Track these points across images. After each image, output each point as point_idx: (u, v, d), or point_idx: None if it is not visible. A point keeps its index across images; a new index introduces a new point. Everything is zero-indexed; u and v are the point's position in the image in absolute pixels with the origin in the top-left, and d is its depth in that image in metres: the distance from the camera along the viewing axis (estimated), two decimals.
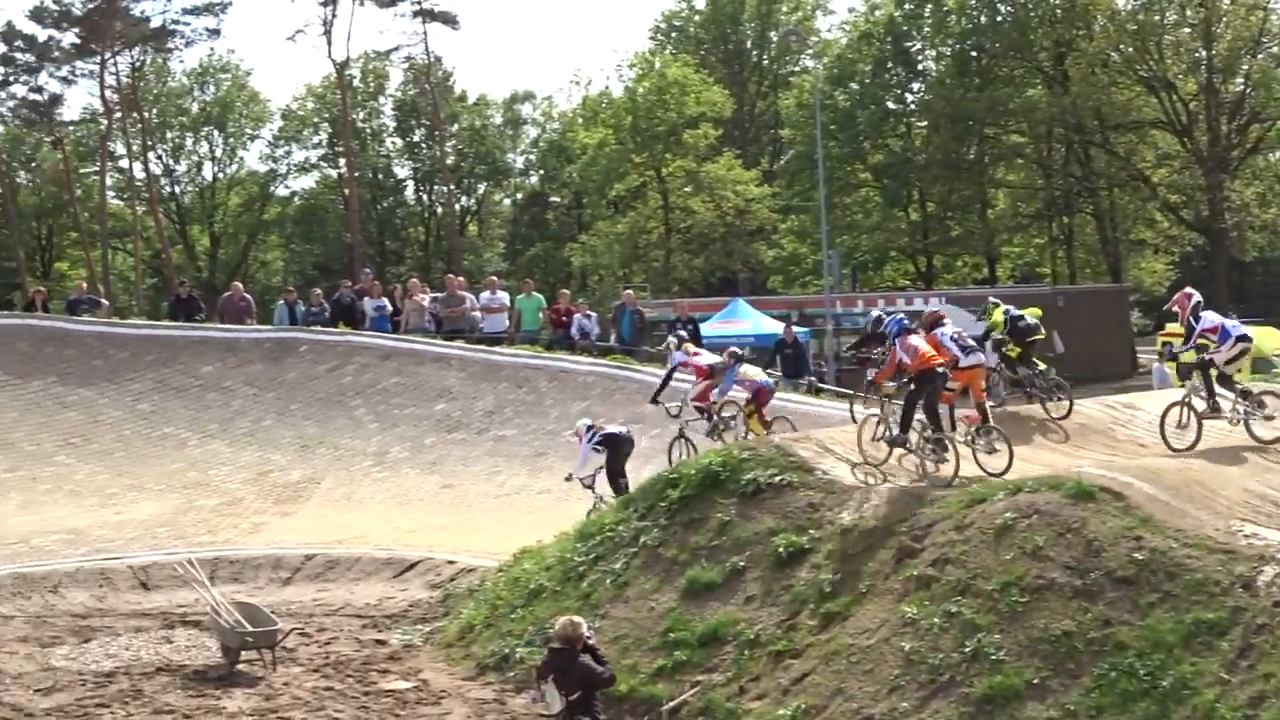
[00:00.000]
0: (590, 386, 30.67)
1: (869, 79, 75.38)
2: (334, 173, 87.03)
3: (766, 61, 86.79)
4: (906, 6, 74.98)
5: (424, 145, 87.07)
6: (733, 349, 24.69)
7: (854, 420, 20.61)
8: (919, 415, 18.15)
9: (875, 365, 20.49)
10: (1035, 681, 13.74)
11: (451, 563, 23.91)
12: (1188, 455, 17.98)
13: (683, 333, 25.32)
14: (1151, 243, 72.24)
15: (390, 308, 35.50)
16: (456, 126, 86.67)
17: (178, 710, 16.97)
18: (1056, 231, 74.77)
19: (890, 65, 75.70)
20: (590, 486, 23.63)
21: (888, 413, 18.78)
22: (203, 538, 25.92)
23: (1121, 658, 13.63)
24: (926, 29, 75.54)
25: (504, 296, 36.14)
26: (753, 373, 23.97)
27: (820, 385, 34.05)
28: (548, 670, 12.79)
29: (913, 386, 18.19)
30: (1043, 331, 21.76)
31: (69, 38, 76.34)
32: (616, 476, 23.37)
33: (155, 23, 77.23)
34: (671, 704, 15.54)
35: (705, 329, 41.43)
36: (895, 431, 18.35)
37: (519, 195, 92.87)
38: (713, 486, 18.40)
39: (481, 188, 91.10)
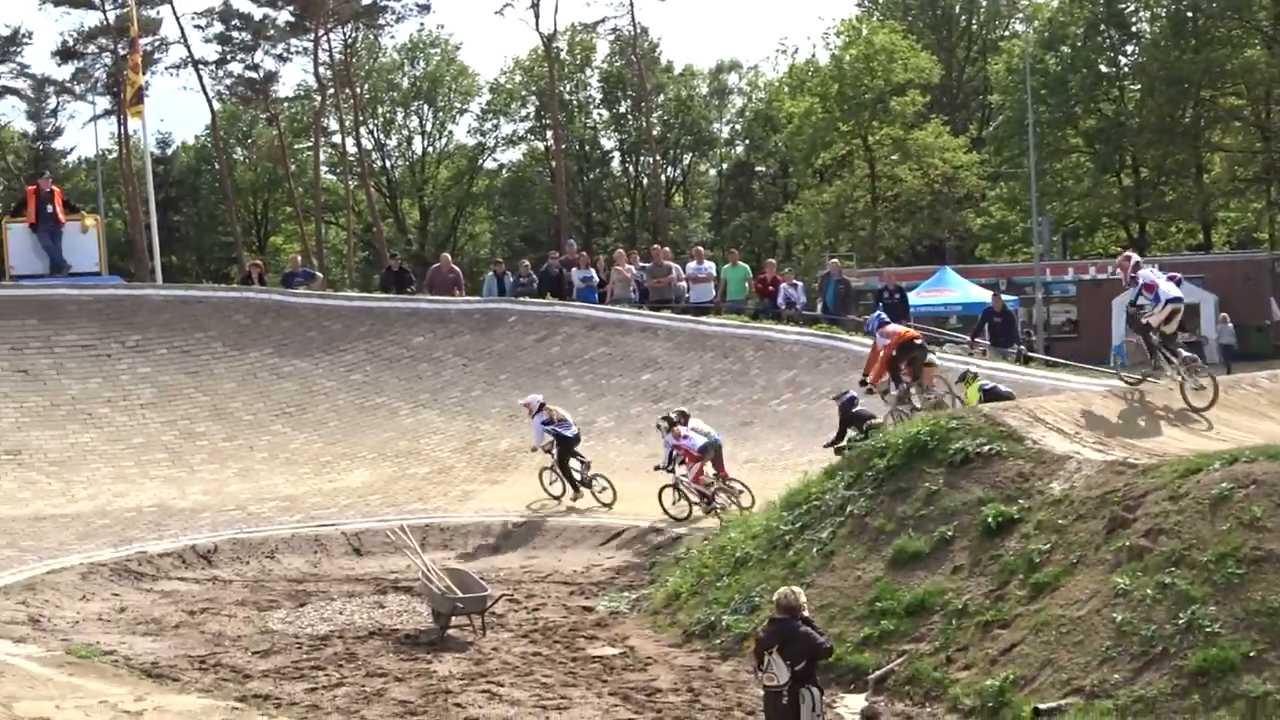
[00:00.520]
0: (796, 356, 30.54)
1: (1081, 42, 73.66)
2: (541, 145, 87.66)
3: (975, 26, 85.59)
4: None
5: (630, 116, 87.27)
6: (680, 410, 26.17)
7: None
8: None
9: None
10: (1252, 655, 13.39)
11: (657, 530, 24.02)
12: None
13: (672, 415, 25.86)
14: None
15: (597, 278, 35.72)
16: (662, 97, 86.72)
17: (390, 673, 17.26)
18: (1275, 195, 72.64)
19: (1103, 28, 73.88)
20: (550, 451, 26.35)
21: None
22: (414, 505, 26.36)
23: None
24: None
25: (710, 266, 36.14)
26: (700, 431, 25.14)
27: (1029, 354, 33.59)
28: (771, 640, 12.75)
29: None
30: None
31: (284, 16, 78.03)
32: (565, 466, 26.08)
33: (367, 0, 78.52)
34: (878, 673, 15.46)
35: (913, 298, 41.09)
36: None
37: (724, 165, 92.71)
38: (920, 456, 18.24)
39: (687, 158, 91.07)
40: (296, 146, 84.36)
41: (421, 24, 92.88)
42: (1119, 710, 13.53)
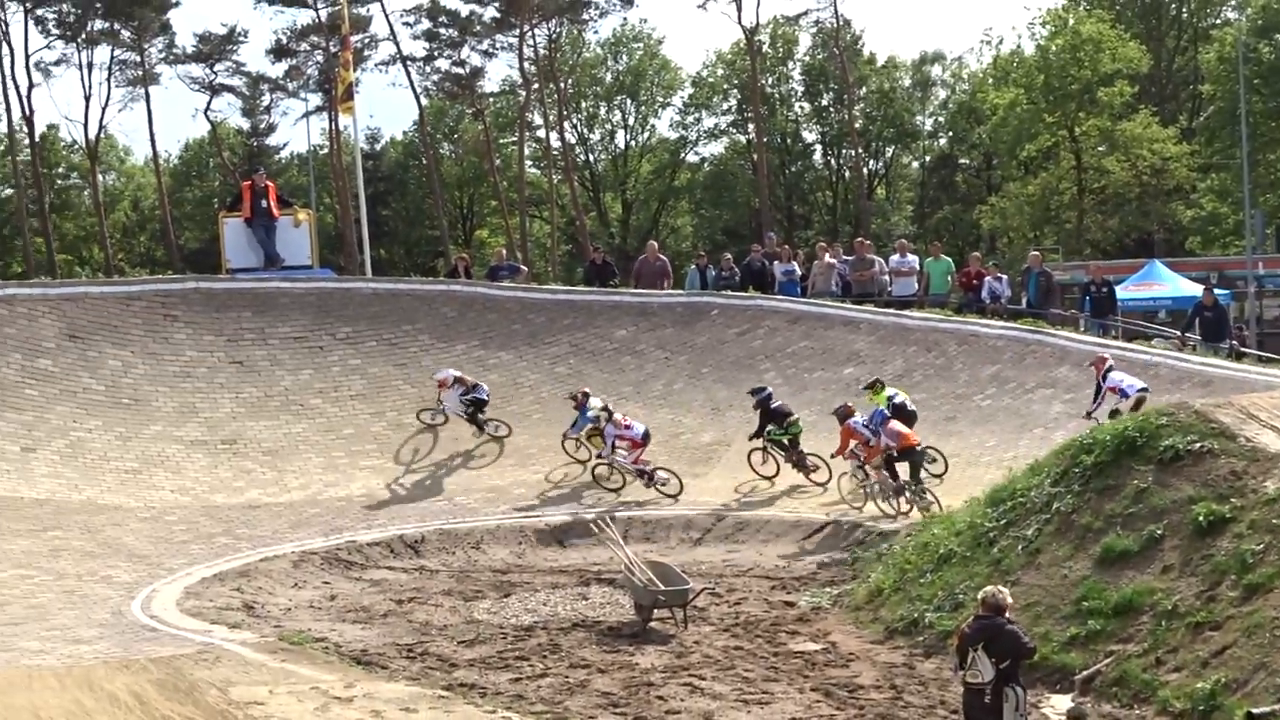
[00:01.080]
0: (1000, 350, 30.21)
1: None
2: (743, 138, 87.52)
3: (1186, 15, 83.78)
4: None
5: (832, 109, 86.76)
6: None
7: None
8: None
9: None
10: None
11: (859, 526, 23.95)
12: None
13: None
14: None
15: (799, 271, 35.63)
16: (865, 90, 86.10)
17: (593, 664, 17.43)
18: None
19: None
20: (441, 411, 29.81)
21: None
22: (610, 499, 26.65)
23: None
24: None
25: (913, 259, 35.86)
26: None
27: (1242, 350, 32.84)
28: (976, 638, 12.73)
29: None
30: None
31: (490, 12, 78.76)
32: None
33: None
34: (1085, 673, 15.29)
35: (1121, 291, 40.43)
36: None
37: (928, 157, 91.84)
38: (1128, 453, 17.97)
39: (890, 150, 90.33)
40: (501, 141, 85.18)
41: (624, 18, 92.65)
42: None
